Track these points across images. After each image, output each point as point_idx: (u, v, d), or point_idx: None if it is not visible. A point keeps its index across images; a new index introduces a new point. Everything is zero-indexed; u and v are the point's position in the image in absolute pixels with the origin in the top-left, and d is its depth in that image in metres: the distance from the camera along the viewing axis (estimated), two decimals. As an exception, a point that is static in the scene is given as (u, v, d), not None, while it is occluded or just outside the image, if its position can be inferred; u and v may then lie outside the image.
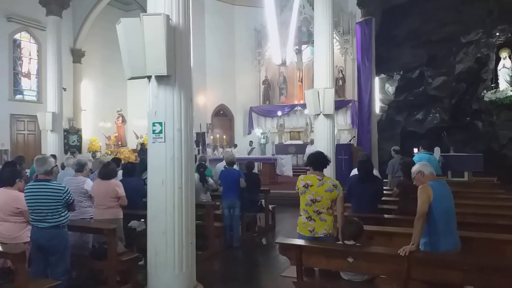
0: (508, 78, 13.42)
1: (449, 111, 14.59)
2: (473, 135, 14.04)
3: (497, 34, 13.85)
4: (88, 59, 17.44)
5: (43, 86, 14.89)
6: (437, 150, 11.61)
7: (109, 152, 16.42)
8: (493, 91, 13.41)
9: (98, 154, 15.69)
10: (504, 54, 13.64)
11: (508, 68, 13.53)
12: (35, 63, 15.82)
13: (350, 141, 14.66)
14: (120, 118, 18.22)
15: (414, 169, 3.87)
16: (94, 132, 17.51)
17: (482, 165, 11.35)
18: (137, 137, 17.50)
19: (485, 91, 13.70)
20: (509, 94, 13.08)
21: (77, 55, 17.09)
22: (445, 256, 3.51)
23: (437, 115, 14.84)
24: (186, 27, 4.38)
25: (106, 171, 5.56)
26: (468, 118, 14.49)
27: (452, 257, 3.50)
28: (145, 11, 4.41)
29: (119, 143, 17.83)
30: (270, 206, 8.51)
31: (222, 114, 19.77)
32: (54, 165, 4.45)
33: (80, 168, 5.61)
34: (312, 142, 14.88)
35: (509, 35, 13.63)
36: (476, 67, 14.28)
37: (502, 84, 13.42)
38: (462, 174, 11.52)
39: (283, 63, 15.87)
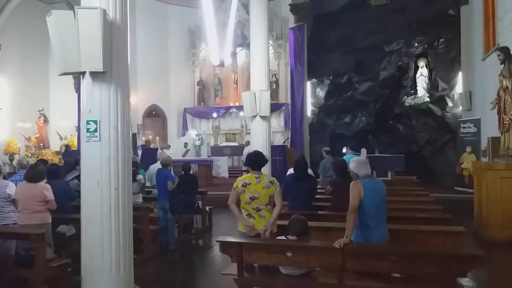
0: (425, 85, 14.65)
1: (374, 115, 15.56)
2: (395, 137, 15.11)
3: (416, 44, 15.11)
4: (5, 53, 15.90)
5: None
6: (363, 151, 12.37)
7: (29, 155, 15.21)
8: (412, 97, 14.56)
9: (16, 157, 14.47)
10: (421, 63, 14.88)
11: (425, 76, 14.77)
12: None
13: (284, 142, 15.08)
14: (42, 118, 16.93)
15: (351, 168, 4.08)
16: (11, 133, 16.10)
17: (403, 165, 12.27)
18: (61, 138, 16.46)
19: (405, 97, 14.82)
20: (426, 100, 14.29)
21: (-10, 49, 15.63)
22: (376, 247, 3.77)
23: (363, 118, 15.75)
24: (123, 22, 4.25)
25: (33, 172, 5.17)
26: (391, 122, 15.57)
27: (382, 248, 3.77)
28: (70, 5, 4.22)
29: (41, 144, 16.61)
30: (207, 208, 8.49)
31: (154, 115, 19.25)
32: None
33: None
34: (248, 144, 15.07)
35: (426, 46, 14.92)
36: (398, 74, 15.42)
37: (420, 91, 14.62)
38: (386, 173, 12.37)
39: (221, 64, 15.89)
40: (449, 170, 13.05)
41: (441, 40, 14.64)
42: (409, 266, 3.61)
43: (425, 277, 3.67)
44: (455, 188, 11.76)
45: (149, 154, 11.98)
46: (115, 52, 4.13)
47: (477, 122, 11.43)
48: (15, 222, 5.08)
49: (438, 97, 14.36)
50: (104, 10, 3.98)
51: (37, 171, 5.24)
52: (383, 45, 15.47)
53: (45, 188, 5.14)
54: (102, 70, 3.97)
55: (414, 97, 14.53)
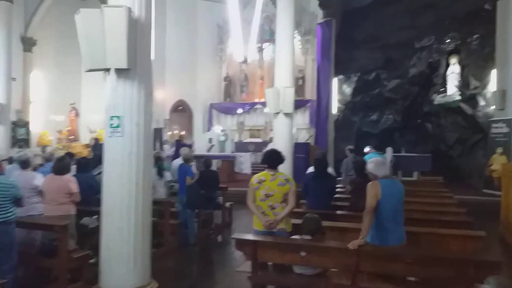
0: (456, 83, 14.17)
1: (402, 113, 15.21)
2: (423, 136, 14.73)
3: (448, 41, 14.61)
4: (40, 48, 16.61)
5: (-10, 75, 14.09)
6: (389, 150, 12.13)
7: (60, 147, 15.77)
8: (442, 95, 14.13)
9: (48, 149, 15.04)
10: (453, 60, 14.38)
11: (456, 74, 14.28)
12: (-19, 51, 14.92)
13: (308, 140, 14.97)
14: (74, 112, 17.54)
15: (369, 169, 4.03)
16: (44, 125, 16.75)
17: (430, 165, 11.95)
18: (91, 132, 16.95)
19: (435, 95, 14.40)
20: (457, 99, 13.84)
21: (28, 44, 16.25)
22: (391, 250, 3.71)
23: (390, 116, 15.43)
24: (147, 20, 4.33)
25: (59, 166, 5.37)
26: (419, 120, 15.18)
27: (397, 250, 3.71)
28: (103, 0, 4.31)
29: (72, 137, 17.18)
30: (227, 204, 8.55)
31: (181, 110, 19.51)
32: (3, 159, 4.27)
33: (24, 165, 5.37)
34: (271, 141, 15.07)
35: (458, 42, 14.41)
36: (428, 72, 14.97)
37: (451, 89, 14.16)
38: (411, 173, 12.10)
39: (245, 60, 15.91)
40: (478, 172, 12.62)
41: (475, 36, 14.08)
42: (424, 270, 3.54)
43: (442, 281, 3.59)
44: (483, 190, 11.35)
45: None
46: (139, 50, 4.21)
47: (509, 122, 10.98)
48: (41, 213, 5.28)
49: (470, 96, 13.86)
50: (129, 8, 4.05)
51: (62, 164, 5.43)
52: (413, 41, 15.05)
53: (70, 181, 5.32)
54: (126, 67, 4.06)
55: (444, 95, 14.11)
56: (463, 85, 14.09)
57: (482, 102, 13.64)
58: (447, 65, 14.53)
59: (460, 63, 14.32)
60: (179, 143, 13.85)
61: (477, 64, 13.95)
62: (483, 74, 13.71)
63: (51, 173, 5.42)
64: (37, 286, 4.72)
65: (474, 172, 13.14)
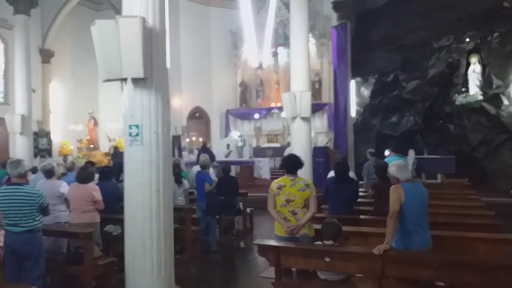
0: (478, 83, 13.86)
1: (423, 114, 14.97)
2: (445, 137, 14.44)
3: (467, 40, 14.33)
4: (58, 59, 17.00)
5: (10, 87, 14.50)
6: (411, 152, 11.94)
7: (81, 156, 16.05)
8: (464, 95, 13.84)
9: (69, 158, 15.33)
10: (473, 59, 14.09)
11: (477, 73, 13.98)
12: (1, 64, 15.36)
13: (327, 143, 14.86)
14: (92, 121, 17.80)
15: (391, 172, 3.97)
16: (64, 135, 17.09)
17: (454, 167, 11.70)
18: (110, 140, 17.20)
19: (456, 95, 14.11)
20: (479, 98, 13.53)
21: (46, 55, 16.65)
22: (417, 254, 3.63)
23: (411, 118, 15.20)
24: (161, 29, 4.38)
25: (83, 174, 5.50)
26: (440, 121, 14.89)
27: (424, 255, 3.62)
28: (118, 11, 4.39)
29: (91, 146, 17.47)
30: (248, 209, 8.54)
31: (198, 117, 19.65)
32: (28, 169, 4.37)
33: (49, 174, 5.48)
34: (288, 145, 14.99)
35: (478, 41, 14.11)
36: (448, 72, 14.70)
37: (472, 89, 13.85)
38: (435, 176, 11.86)
39: (260, 66, 15.92)
40: (505, 173, 12.30)
41: (495, 34, 13.75)
42: (452, 275, 3.45)
43: (471, 287, 3.49)
44: (512, 192, 11.04)
45: (209, 154, 12.26)
46: (154, 59, 4.26)
47: (535, 121, 10.66)
48: (67, 221, 5.38)
49: (492, 95, 13.52)
50: (144, 18, 4.11)
51: (86, 173, 5.56)
52: (431, 41, 14.81)
53: (93, 189, 5.43)
54: (142, 77, 4.11)
55: (466, 95, 13.81)
56: (485, 84, 13.77)
57: (505, 102, 13.28)
58: (468, 65, 14.24)
59: (480, 62, 14.01)
60: (204, 148, 13.79)
61: (498, 63, 13.62)
62: (505, 72, 13.37)
63: (75, 182, 5.53)
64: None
65: (500, 174, 12.80)
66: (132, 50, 3.99)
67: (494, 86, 13.57)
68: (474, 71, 14.01)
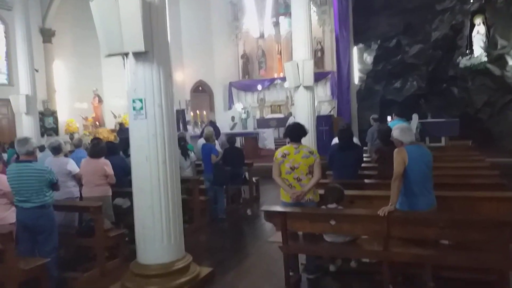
0: (482, 44, 13.64)
1: (426, 79, 14.84)
2: (449, 101, 14.36)
3: (471, 1, 13.99)
4: (59, 38, 16.86)
5: (13, 68, 14.45)
6: (415, 117, 11.90)
7: (87, 133, 16.16)
8: (468, 57, 13.65)
9: (76, 136, 15.43)
10: (478, 20, 13.82)
11: (482, 35, 13.73)
12: (3, 45, 15.27)
13: (330, 112, 14.82)
14: (97, 98, 17.84)
15: (395, 135, 3.99)
16: (70, 113, 17.15)
17: (458, 129, 11.68)
18: (115, 117, 17.24)
19: (460, 58, 13.93)
20: (483, 60, 13.34)
21: (47, 35, 16.51)
22: (422, 214, 3.69)
23: (414, 82, 15.08)
24: (161, 1, 4.31)
25: (95, 150, 5.62)
26: (444, 85, 14.77)
27: (429, 215, 3.68)
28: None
29: (97, 123, 17.55)
30: (253, 179, 8.65)
31: (201, 90, 19.58)
32: (35, 146, 4.43)
33: (56, 151, 5.55)
34: (290, 115, 14.96)
35: (483, 1, 13.78)
36: (452, 34, 14.47)
37: (477, 51, 13.65)
38: (439, 139, 11.86)
39: (261, 36, 15.70)
40: (510, 133, 12.26)
41: (500, -7, 13.46)
42: (457, 233, 3.51)
43: (476, 244, 3.56)
44: (517, 152, 11.04)
45: (215, 129, 12.27)
46: (155, 32, 4.20)
47: (541, 81, 10.54)
48: (77, 196, 5.49)
49: (497, 56, 13.34)
50: (143, -9, 4.03)
51: (98, 148, 5.66)
52: (433, 3, 14.51)
53: (105, 164, 5.53)
54: (144, 50, 4.07)
55: (470, 58, 13.63)
56: (490, 45, 13.57)
57: (510, 62, 13.11)
58: (472, 26, 13.97)
59: (485, 23, 13.74)
60: (212, 123, 13.79)
61: (503, 23, 13.36)
62: (510, 32, 13.14)
63: (87, 157, 5.62)
64: (78, 264, 4.94)
65: (506, 134, 12.80)
66: (132, 24, 3.94)
67: (499, 46, 13.36)
68: (479, 32, 13.76)
